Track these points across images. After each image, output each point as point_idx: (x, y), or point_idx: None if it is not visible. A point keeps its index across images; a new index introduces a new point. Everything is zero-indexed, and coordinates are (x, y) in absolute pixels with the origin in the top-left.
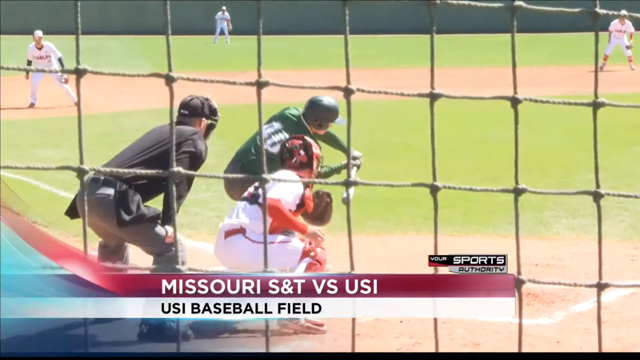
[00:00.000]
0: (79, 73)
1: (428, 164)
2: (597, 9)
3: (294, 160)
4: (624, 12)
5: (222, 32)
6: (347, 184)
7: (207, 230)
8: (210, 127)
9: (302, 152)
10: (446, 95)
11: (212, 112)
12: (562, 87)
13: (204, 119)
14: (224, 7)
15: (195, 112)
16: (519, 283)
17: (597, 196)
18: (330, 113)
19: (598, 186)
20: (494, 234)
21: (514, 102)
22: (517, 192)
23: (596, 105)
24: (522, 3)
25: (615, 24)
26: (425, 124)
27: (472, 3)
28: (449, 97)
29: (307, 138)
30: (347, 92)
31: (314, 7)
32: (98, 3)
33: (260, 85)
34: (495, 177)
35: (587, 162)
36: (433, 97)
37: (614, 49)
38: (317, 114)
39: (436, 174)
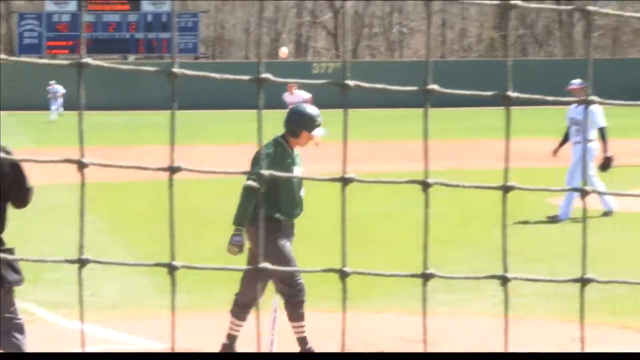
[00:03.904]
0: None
1: (316, 238)
2: (509, 93)
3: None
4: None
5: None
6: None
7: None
8: None
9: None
10: (358, 180)
11: None
12: (441, 161)
13: None
14: (52, 82)
15: None
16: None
17: (504, 280)
18: (309, 118)
19: (506, 270)
20: (370, 310)
21: (425, 185)
22: (426, 277)
23: (506, 189)
24: (435, 86)
25: (286, 95)
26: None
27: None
28: (361, 182)
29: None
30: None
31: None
32: None
33: (172, 170)
34: (374, 252)
35: (462, 238)
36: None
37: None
38: (294, 119)
39: (346, 260)
